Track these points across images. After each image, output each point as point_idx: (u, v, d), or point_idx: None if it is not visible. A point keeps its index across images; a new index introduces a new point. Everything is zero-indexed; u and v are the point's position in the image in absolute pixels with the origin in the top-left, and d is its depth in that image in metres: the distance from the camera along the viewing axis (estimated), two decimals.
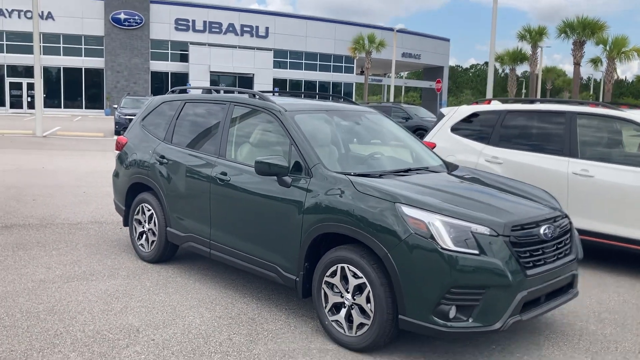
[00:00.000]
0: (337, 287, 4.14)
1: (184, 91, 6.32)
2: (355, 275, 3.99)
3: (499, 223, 3.80)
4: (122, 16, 46.12)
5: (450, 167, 5.22)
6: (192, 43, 48.15)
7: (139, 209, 6.03)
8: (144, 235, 6.00)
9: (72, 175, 11.89)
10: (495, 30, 24.35)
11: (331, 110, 5.39)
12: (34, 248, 6.33)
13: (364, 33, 46.37)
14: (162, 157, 5.70)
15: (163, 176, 5.64)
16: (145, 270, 5.72)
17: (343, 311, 4.10)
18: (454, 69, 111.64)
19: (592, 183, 6.21)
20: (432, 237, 3.68)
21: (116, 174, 6.43)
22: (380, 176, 4.42)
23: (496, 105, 7.45)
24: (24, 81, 45.48)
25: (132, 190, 6.14)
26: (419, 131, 21.64)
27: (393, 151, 5.43)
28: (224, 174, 5.00)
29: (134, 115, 8.73)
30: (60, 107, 46.63)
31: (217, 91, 6.14)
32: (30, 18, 22.31)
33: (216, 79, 48.85)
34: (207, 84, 46.71)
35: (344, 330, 4.09)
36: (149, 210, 5.87)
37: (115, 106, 28.05)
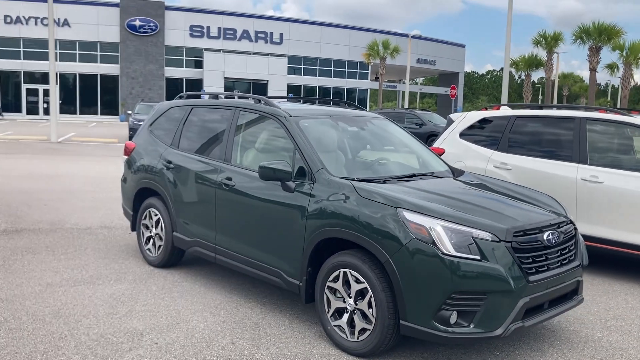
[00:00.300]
0: (339, 292, 4.14)
1: (192, 97, 6.36)
2: (357, 281, 3.99)
3: (501, 228, 3.78)
4: (138, 23, 46.58)
5: (456, 173, 5.20)
6: (206, 49, 48.48)
7: (146, 214, 6.07)
8: (151, 240, 6.04)
9: (84, 180, 12.00)
10: (511, 36, 24.25)
11: (336, 115, 5.40)
12: (43, 252, 6.39)
13: (379, 39, 46.40)
14: (169, 162, 5.74)
15: (169, 181, 5.68)
16: (151, 274, 5.75)
17: (345, 316, 4.10)
18: (470, 75, 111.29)
19: (601, 189, 6.15)
20: (433, 242, 3.67)
21: (124, 179, 6.49)
22: (384, 182, 4.42)
23: (505, 111, 7.41)
24: (40, 87, 46.06)
25: (140, 195, 6.19)
26: (433, 137, 21.58)
27: (399, 157, 5.42)
28: (229, 179, 5.02)
29: None
30: (76, 113, 47.13)
31: (232, 97, 6.15)
32: (47, 25, 22.54)
33: (231, 85, 49.11)
34: (221, 90, 46.96)
35: (346, 335, 4.08)
36: (156, 215, 5.91)
37: (130, 112, 28.27)
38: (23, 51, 45.79)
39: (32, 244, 6.70)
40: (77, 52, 46.71)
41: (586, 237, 6.06)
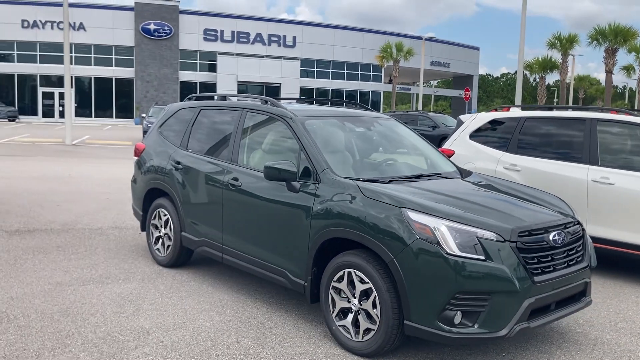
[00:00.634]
0: (344, 292, 4.14)
1: (201, 98, 6.40)
2: (361, 281, 3.99)
3: (506, 229, 3.76)
4: (152, 27, 46.94)
5: (463, 174, 5.19)
6: (220, 53, 48.73)
7: (155, 214, 6.11)
8: (160, 240, 6.08)
9: (97, 182, 12.11)
10: (524, 39, 24.13)
11: (342, 116, 5.41)
12: (54, 252, 6.46)
13: (392, 41, 46.33)
14: (178, 162, 5.78)
15: (178, 182, 5.71)
16: (160, 274, 5.79)
17: (350, 316, 4.10)
18: (484, 77, 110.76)
19: (612, 191, 6.09)
20: (437, 242, 3.66)
21: (134, 180, 6.54)
22: (389, 182, 4.41)
23: (515, 112, 7.38)
24: (56, 91, 46.54)
25: (150, 196, 6.24)
26: (446, 140, 21.49)
27: (407, 157, 5.41)
28: (236, 179, 5.05)
29: None
30: (91, 117, 47.57)
31: (246, 99, 6.21)
32: (63, 29, 22.80)
33: (244, 88, 49.29)
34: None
35: (350, 335, 4.08)
36: (165, 215, 5.95)
37: (144, 115, 28.49)
38: (39, 55, 46.33)
39: (43, 244, 6.78)
40: (93, 55, 47.16)
41: (597, 239, 6.01)
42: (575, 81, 63.11)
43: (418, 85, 50.63)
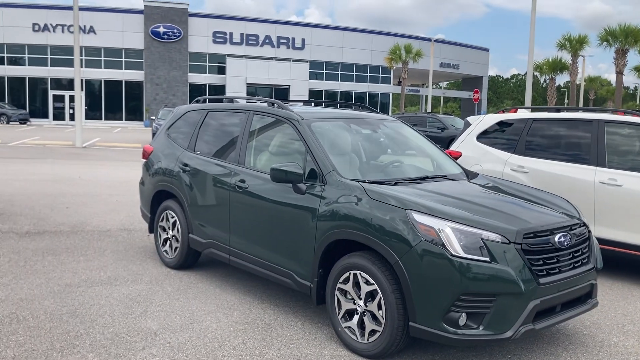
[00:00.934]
0: (349, 293, 4.16)
1: (208, 101, 6.45)
2: (367, 282, 4.01)
3: (511, 230, 3.76)
4: (162, 30, 47.16)
5: (469, 175, 5.19)
6: (229, 55, 48.86)
7: (163, 216, 6.16)
8: (168, 242, 6.13)
9: (107, 184, 12.20)
10: (534, 40, 24.05)
11: (349, 118, 5.43)
12: (63, 253, 6.52)
13: (401, 43, 46.29)
14: (185, 165, 5.82)
15: (185, 184, 5.75)
16: (168, 275, 5.83)
17: (356, 318, 4.12)
18: (494, 79, 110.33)
19: (619, 192, 6.07)
20: (442, 244, 3.67)
21: (142, 182, 6.59)
22: (395, 184, 4.43)
23: (522, 114, 7.36)
24: (67, 94, 46.85)
25: (157, 198, 6.29)
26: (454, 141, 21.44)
27: (413, 159, 5.42)
28: (243, 181, 5.08)
29: None
30: (101, 119, 47.83)
31: (253, 101, 6.26)
32: (73, 32, 23.00)
33: (253, 90, 49.40)
34: (243, 96, 47.32)
35: (356, 336, 4.10)
36: (173, 217, 5.99)
37: (154, 117, 28.63)
38: (50, 58, 46.68)
39: (53, 246, 6.84)
40: (103, 58, 47.45)
41: (604, 241, 6.00)
42: (585, 82, 62.75)
43: (427, 86, 50.55)
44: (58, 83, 47.25)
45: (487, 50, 63.66)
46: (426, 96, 52.28)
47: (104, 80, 47.67)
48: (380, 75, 54.98)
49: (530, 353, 4.24)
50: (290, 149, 4.99)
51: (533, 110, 7.75)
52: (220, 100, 6.53)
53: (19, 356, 3.90)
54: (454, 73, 60.90)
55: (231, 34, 49.49)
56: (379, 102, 55.47)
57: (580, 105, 57.64)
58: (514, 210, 4.16)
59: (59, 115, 47.32)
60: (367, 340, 4.02)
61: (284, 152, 5.12)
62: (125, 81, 48.14)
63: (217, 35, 49.14)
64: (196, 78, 49.25)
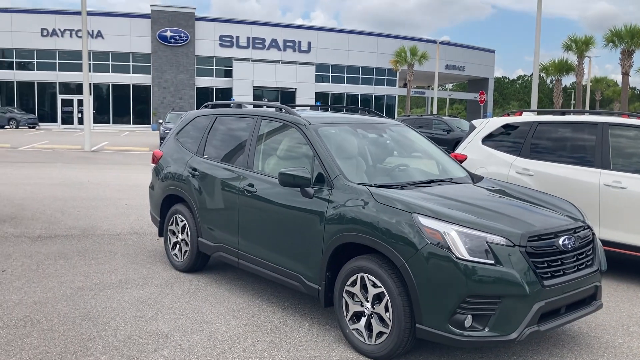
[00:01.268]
0: (357, 296, 4.23)
1: (217, 106, 6.54)
2: (374, 285, 4.08)
3: (515, 233, 3.82)
4: (169, 34, 47.42)
5: (475, 179, 5.25)
6: (236, 59, 49.06)
7: (173, 220, 6.25)
8: (178, 246, 6.22)
9: (116, 188, 12.32)
10: (540, 41, 24.08)
11: (355, 122, 5.51)
12: (75, 257, 6.62)
13: (407, 46, 46.39)
14: (194, 169, 5.91)
15: (195, 188, 5.84)
16: (177, 279, 5.92)
17: (363, 320, 4.19)
18: (500, 80, 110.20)
19: (624, 195, 6.12)
20: (447, 247, 3.73)
21: (152, 186, 6.69)
22: (401, 187, 4.50)
23: (527, 117, 7.42)
24: (75, 98, 47.18)
25: (167, 202, 6.38)
26: (460, 144, 21.45)
27: (419, 163, 5.49)
28: (251, 185, 5.16)
29: None
30: (109, 123, 48.13)
31: (261, 105, 6.35)
32: (82, 37, 23.21)
33: (260, 93, 49.59)
34: (250, 99, 47.48)
35: (363, 338, 4.17)
36: (182, 221, 6.08)
37: (161, 121, 28.79)
38: (58, 63, 47.02)
39: (64, 250, 6.95)
40: (110, 63, 47.75)
41: (609, 243, 6.05)
42: (592, 83, 62.60)
43: (433, 88, 50.57)
44: (66, 87, 47.58)
45: (492, 51, 63.59)
46: (432, 98, 52.27)
47: (112, 84, 47.99)
48: (386, 77, 55.04)
49: (536, 354, 4.30)
50: (298, 154, 5.07)
51: (539, 113, 7.81)
52: (228, 106, 6.62)
53: (34, 358, 3.99)
54: (459, 75, 60.89)
55: (238, 37, 49.70)
56: (385, 104, 55.54)
57: (587, 105, 57.48)
58: (519, 213, 4.22)
59: (67, 120, 47.66)
60: (375, 342, 4.09)
61: (292, 156, 5.20)
62: (133, 85, 48.44)
63: (224, 38, 49.35)
64: (203, 81, 49.47)
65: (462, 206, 4.16)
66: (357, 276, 4.19)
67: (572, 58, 41.79)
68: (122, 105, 48.75)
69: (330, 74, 53.16)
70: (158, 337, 4.41)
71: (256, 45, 50.29)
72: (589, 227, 4.42)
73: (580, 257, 4.16)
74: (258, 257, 5.11)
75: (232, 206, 5.36)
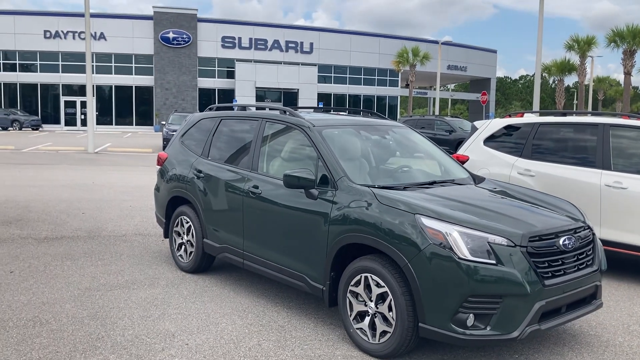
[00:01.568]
0: (361, 296, 4.30)
1: (221, 108, 6.61)
2: (378, 285, 4.14)
3: (517, 234, 3.89)
4: (171, 35, 47.56)
5: (476, 180, 5.32)
6: (238, 60, 49.17)
7: (178, 221, 6.32)
8: (183, 247, 6.29)
9: (120, 190, 12.40)
10: (542, 41, 24.11)
11: (358, 125, 5.57)
12: (81, 258, 6.70)
13: (408, 46, 46.45)
14: (199, 171, 5.98)
15: (200, 190, 5.92)
16: (183, 279, 5.99)
17: (367, 319, 4.25)
18: (502, 80, 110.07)
19: (625, 195, 6.18)
20: (450, 247, 3.80)
21: (157, 188, 6.76)
22: (404, 189, 4.57)
23: (529, 118, 7.49)
24: (78, 99, 47.33)
25: (172, 204, 6.45)
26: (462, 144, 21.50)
27: (421, 164, 5.56)
28: (256, 187, 5.23)
29: None
30: (112, 124, 48.28)
31: (263, 108, 6.44)
32: (84, 39, 23.33)
33: (262, 94, 49.68)
34: (252, 100, 47.62)
35: (367, 337, 4.24)
36: (187, 222, 6.15)
37: (164, 122, 28.88)
38: (62, 64, 47.18)
39: (71, 251, 7.03)
40: (113, 64, 47.91)
41: (610, 243, 6.11)
42: (594, 82, 62.57)
43: (435, 89, 50.62)
44: (69, 89, 47.74)
45: (494, 51, 63.63)
46: (434, 99, 52.35)
47: (115, 86, 48.14)
48: (388, 78, 55.12)
49: (537, 353, 4.36)
50: (302, 155, 5.14)
51: (542, 114, 7.88)
52: (232, 108, 6.69)
53: (44, 358, 4.06)
54: (461, 75, 60.94)
55: (240, 38, 49.81)
56: (387, 104, 55.61)
57: (590, 105, 57.47)
58: (520, 214, 4.29)
59: (70, 121, 47.81)
60: (378, 341, 4.15)
61: (296, 158, 5.27)
62: (136, 86, 48.59)
63: (226, 40, 49.48)
64: (205, 82, 49.60)
65: (464, 207, 4.23)
66: (361, 276, 4.26)
67: (575, 58, 41.81)
68: (125, 107, 48.91)
69: (333, 74, 53.25)
70: (165, 337, 4.48)
71: (258, 46, 50.40)
72: (589, 228, 4.48)
73: (580, 256, 4.22)
74: (263, 258, 5.18)
75: (237, 207, 5.43)
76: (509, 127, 7.55)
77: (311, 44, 51.73)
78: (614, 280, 6.25)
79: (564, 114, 7.49)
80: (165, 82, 48.14)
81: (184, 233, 6.25)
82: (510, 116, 7.81)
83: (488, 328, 3.78)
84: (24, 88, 47.45)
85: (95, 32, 45.29)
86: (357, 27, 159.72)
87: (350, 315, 4.37)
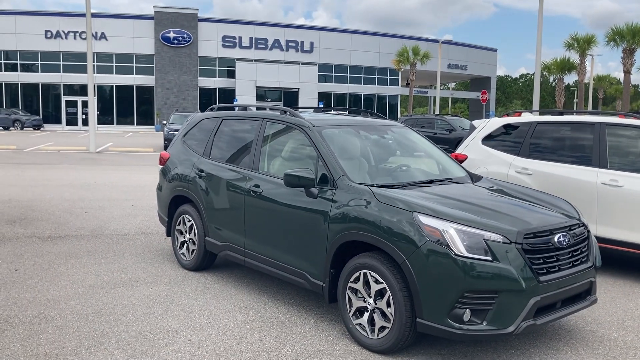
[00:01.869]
0: (360, 292, 4.39)
1: (222, 108, 6.70)
2: (376, 281, 4.23)
3: (512, 231, 3.98)
4: (172, 35, 47.65)
5: (474, 178, 5.41)
6: (238, 59, 49.25)
7: (180, 220, 6.42)
8: (185, 245, 6.38)
9: (122, 189, 12.50)
10: (541, 40, 24.18)
11: (358, 124, 5.66)
12: (85, 257, 6.80)
13: (409, 45, 46.50)
14: (201, 170, 6.07)
15: (202, 189, 6.01)
16: (185, 277, 6.09)
17: (366, 315, 4.34)
18: (503, 78, 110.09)
19: (621, 193, 6.26)
20: (446, 244, 3.89)
21: (159, 187, 6.86)
22: (402, 187, 4.66)
23: (526, 117, 7.57)
24: (79, 99, 47.45)
25: (174, 203, 6.54)
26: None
27: (419, 163, 5.65)
28: (257, 186, 5.32)
29: None
30: (113, 124, 48.40)
31: (264, 108, 6.53)
32: (85, 39, 23.43)
33: (262, 93, 49.77)
34: (253, 99, 47.71)
35: (366, 333, 4.33)
36: (189, 221, 6.24)
37: (165, 122, 28.96)
38: (63, 64, 47.29)
39: (74, 249, 7.12)
40: (114, 64, 48.02)
41: (607, 240, 6.20)
42: (594, 81, 62.60)
43: (435, 88, 50.68)
44: (70, 89, 47.85)
45: (495, 50, 63.68)
46: (434, 97, 52.40)
47: (115, 86, 48.25)
48: (388, 77, 55.18)
49: (533, 347, 4.45)
50: (302, 155, 5.23)
51: (541, 113, 7.96)
52: (233, 108, 6.78)
53: (50, 353, 4.16)
54: (462, 74, 61.00)
55: (240, 38, 49.90)
56: (388, 103, 55.67)
57: (590, 103, 57.53)
58: (516, 211, 4.38)
59: (71, 121, 47.93)
60: (377, 336, 4.24)
61: (296, 157, 5.36)
62: (136, 86, 48.69)
63: (227, 39, 49.57)
64: (206, 82, 49.69)
65: (461, 205, 4.32)
66: (360, 273, 4.35)
67: (575, 57, 41.86)
68: (126, 106, 49.01)
69: (333, 73, 53.33)
70: (168, 333, 4.57)
71: (259, 46, 50.49)
72: (584, 225, 4.57)
73: (575, 253, 4.31)
74: (264, 256, 5.27)
75: (238, 206, 5.52)
76: (506, 126, 7.64)
77: (311, 43, 51.80)
78: (610, 277, 6.34)
79: (562, 113, 7.58)
80: (166, 81, 48.23)
81: (186, 231, 6.34)
82: (508, 115, 7.90)
83: (484, 323, 3.86)
84: (25, 88, 47.57)
85: (96, 32, 45.38)
86: (358, 26, 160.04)
87: (350, 311, 4.46)
